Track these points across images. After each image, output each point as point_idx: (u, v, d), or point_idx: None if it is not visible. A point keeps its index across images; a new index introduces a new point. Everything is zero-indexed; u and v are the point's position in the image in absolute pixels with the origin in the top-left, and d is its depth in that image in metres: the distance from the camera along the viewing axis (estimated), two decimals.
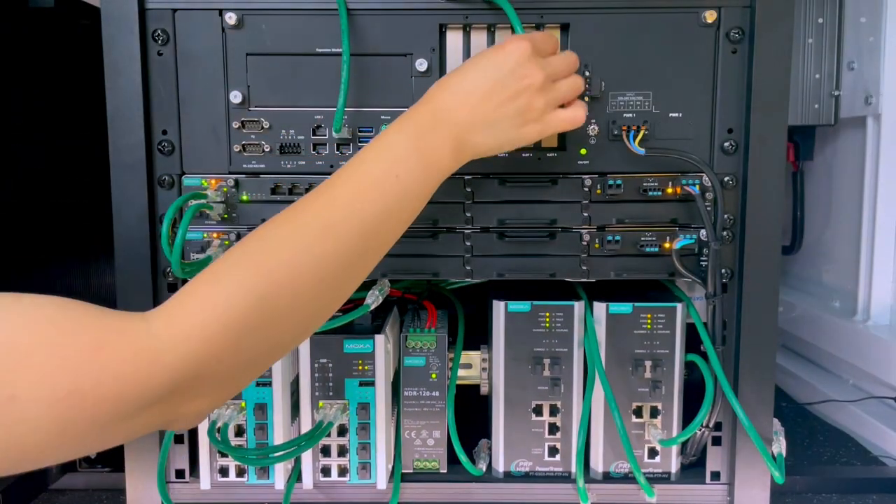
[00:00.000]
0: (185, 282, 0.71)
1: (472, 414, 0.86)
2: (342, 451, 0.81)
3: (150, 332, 0.47)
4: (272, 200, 0.78)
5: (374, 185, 0.58)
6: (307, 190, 0.78)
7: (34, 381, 0.42)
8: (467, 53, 0.78)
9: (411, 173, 0.59)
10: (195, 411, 0.51)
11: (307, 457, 0.81)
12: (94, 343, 0.44)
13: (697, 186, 0.77)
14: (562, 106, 0.68)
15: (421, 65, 0.76)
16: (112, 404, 0.44)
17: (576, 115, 0.68)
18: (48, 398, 0.42)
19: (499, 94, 0.62)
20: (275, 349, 0.55)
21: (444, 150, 0.61)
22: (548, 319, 0.80)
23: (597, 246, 0.79)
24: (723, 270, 0.78)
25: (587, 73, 0.77)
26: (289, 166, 0.78)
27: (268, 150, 0.78)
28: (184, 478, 0.83)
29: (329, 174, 0.74)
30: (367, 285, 0.76)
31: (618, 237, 0.78)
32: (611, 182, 0.78)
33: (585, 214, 0.78)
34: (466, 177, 0.77)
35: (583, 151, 0.78)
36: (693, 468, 0.84)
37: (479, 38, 0.78)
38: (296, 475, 0.82)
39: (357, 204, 0.57)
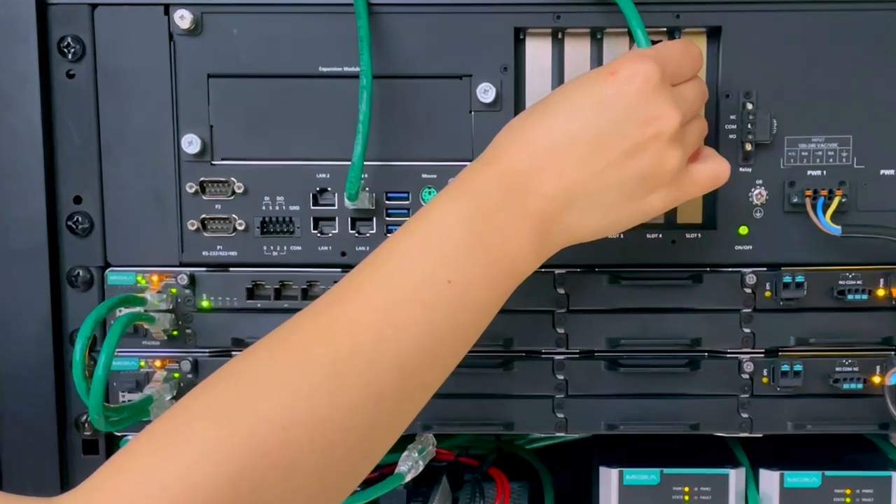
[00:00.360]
0: (113, 443, 0.61)
1: None
2: None
3: None
4: (248, 309, 0.57)
5: (413, 296, 0.44)
6: (304, 292, 0.57)
7: None
8: (559, 76, 0.56)
9: (471, 275, 0.45)
10: None
11: None
12: None
13: None
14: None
15: (486, 93, 0.55)
16: None
17: (720, 168, 0.51)
18: None
19: (610, 149, 0.46)
20: None
21: (522, 238, 0.46)
22: (686, 496, 0.58)
23: (765, 381, 0.56)
24: None
25: (749, 106, 0.54)
26: (275, 254, 0.57)
27: (241, 227, 0.56)
28: None
29: (340, 269, 0.58)
30: (401, 442, 0.54)
31: (798, 366, 0.55)
32: (787, 279, 0.55)
33: (747, 331, 0.56)
34: (557, 270, 0.57)
35: (743, 231, 0.56)
36: None
37: (576, 49, 0.56)
38: None
39: (387, 324, 0.44)
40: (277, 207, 0.56)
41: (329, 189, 0.55)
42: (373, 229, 0.55)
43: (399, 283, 0.44)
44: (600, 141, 0.46)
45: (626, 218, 0.49)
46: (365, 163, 0.52)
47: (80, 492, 0.39)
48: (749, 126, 0.54)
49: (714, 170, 0.50)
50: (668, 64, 0.47)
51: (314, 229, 0.56)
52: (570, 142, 0.46)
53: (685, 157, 0.48)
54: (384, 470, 0.56)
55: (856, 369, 0.55)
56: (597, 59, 0.55)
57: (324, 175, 0.55)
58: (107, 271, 0.56)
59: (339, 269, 0.55)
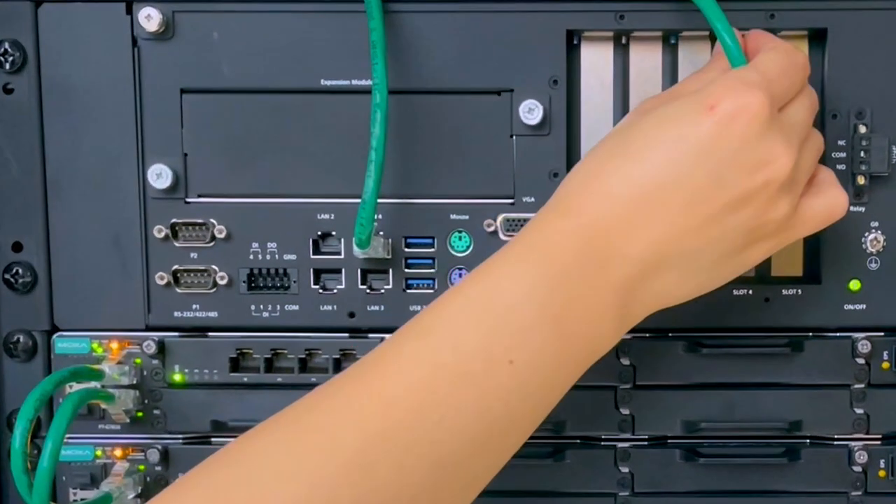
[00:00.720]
0: None
1: None
2: None
3: None
4: (233, 384, 0.48)
5: (464, 376, 0.38)
6: (302, 363, 0.48)
7: None
8: (624, 86, 0.47)
9: (538, 355, 0.39)
10: None
11: None
12: None
13: None
14: None
15: (531, 112, 0.46)
16: None
17: (836, 201, 0.43)
18: None
19: (710, 202, 0.40)
20: None
21: (603, 311, 0.39)
22: None
23: (881, 474, 0.47)
24: None
25: (862, 129, 0.46)
26: (265, 315, 0.48)
27: (224, 282, 0.47)
28: None
29: (347, 333, 0.50)
30: None
31: None
32: None
33: (859, 411, 0.47)
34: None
35: (854, 286, 0.47)
36: None
37: (645, 57, 0.47)
38: None
39: (430, 407, 0.38)
40: (269, 256, 0.47)
41: (333, 233, 0.47)
42: (389, 284, 0.46)
43: (448, 359, 0.38)
44: (698, 193, 0.39)
45: (722, 276, 0.42)
46: (379, 200, 0.43)
47: None
48: (862, 154, 0.45)
49: (829, 205, 0.43)
50: (775, 86, 0.40)
51: (315, 284, 0.47)
52: (661, 193, 0.39)
53: (797, 199, 0.42)
54: None
55: None
56: (669, 70, 0.46)
57: (327, 216, 0.47)
58: (54, 336, 0.47)
59: (345, 335, 0.46)
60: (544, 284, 0.38)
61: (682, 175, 0.39)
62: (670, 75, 0.46)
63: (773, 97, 0.40)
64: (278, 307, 0.47)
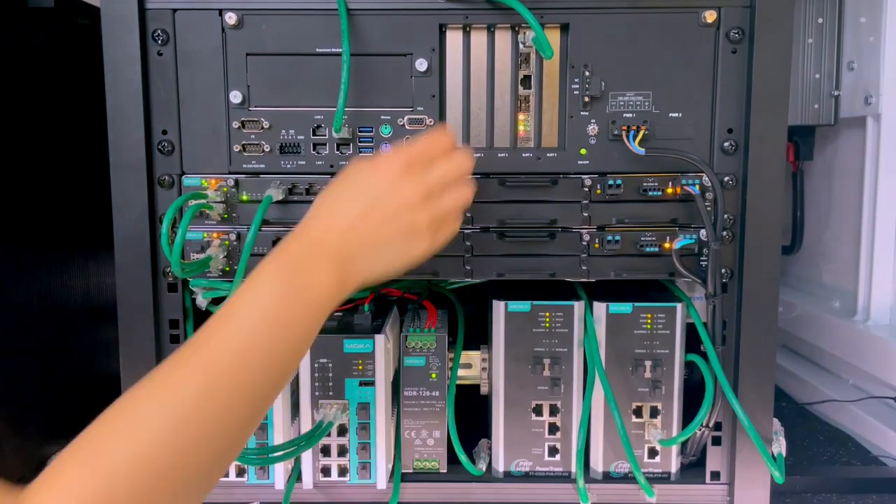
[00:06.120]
0: (186, 285, 0.76)
1: (472, 414, 0.86)
2: (342, 451, 0.81)
3: None
4: (276, 201, 0.78)
5: (253, 341, 0.53)
6: (306, 190, 0.78)
7: None
8: (467, 53, 0.78)
9: (292, 315, 0.55)
10: None
11: (307, 456, 0.81)
12: None
13: (697, 186, 0.77)
14: None
15: (421, 65, 0.76)
16: None
17: (455, 229, 0.67)
18: None
19: (373, 216, 0.60)
20: None
21: (325, 283, 0.57)
22: (548, 319, 0.80)
23: (597, 246, 0.79)
24: (723, 270, 0.78)
25: (587, 74, 0.77)
26: (289, 166, 0.78)
27: (267, 149, 0.78)
28: None
29: (329, 174, 0.76)
30: None
31: (618, 237, 0.78)
32: (610, 182, 0.78)
33: (585, 214, 0.78)
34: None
35: (583, 151, 0.78)
36: (693, 468, 0.84)
37: (479, 38, 0.78)
38: (296, 475, 0.82)
39: (238, 365, 0.51)
40: (290, 137, 0.77)
41: (323, 125, 0.77)
42: (350, 151, 0.77)
43: (241, 330, 0.53)
44: (366, 212, 0.60)
45: (400, 261, 0.62)
46: (345, 109, 0.73)
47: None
48: (587, 85, 0.76)
49: (452, 230, 0.65)
50: (412, 158, 0.61)
51: (313, 150, 0.77)
52: (347, 214, 0.60)
53: (437, 215, 0.62)
54: (357, 302, 0.80)
55: (654, 238, 0.78)
56: (491, 44, 0.77)
57: (319, 117, 0.77)
58: (183, 177, 0.77)
59: (328, 176, 0.76)
60: (288, 272, 0.56)
61: (356, 204, 0.59)
62: (490, 47, 0.77)
63: (410, 161, 0.61)
64: (295, 162, 0.77)
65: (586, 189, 0.78)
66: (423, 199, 0.61)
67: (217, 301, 0.78)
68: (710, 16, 0.76)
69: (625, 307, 0.79)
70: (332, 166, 0.78)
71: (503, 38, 0.78)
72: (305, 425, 0.80)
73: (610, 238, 0.78)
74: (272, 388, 0.54)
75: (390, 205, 0.60)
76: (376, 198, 0.60)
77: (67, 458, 0.45)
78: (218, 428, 0.49)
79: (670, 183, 0.78)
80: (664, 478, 0.83)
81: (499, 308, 0.81)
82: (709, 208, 0.77)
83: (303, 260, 0.57)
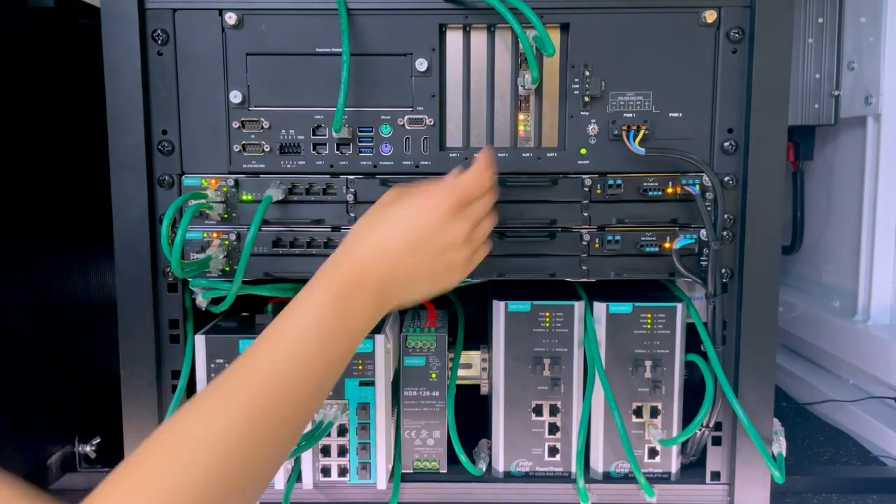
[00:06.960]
0: (186, 285, 0.76)
1: (472, 414, 0.86)
2: (342, 451, 0.81)
3: None
4: (276, 201, 0.78)
5: (299, 369, 0.56)
6: (306, 190, 0.78)
7: None
8: (467, 53, 0.78)
9: (337, 342, 0.59)
10: None
11: (307, 457, 0.81)
12: None
13: (697, 186, 0.77)
14: None
15: (421, 64, 0.76)
16: None
17: (485, 253, 0.71)
18: None
19: (421, 252, 0.63)
20: None
21: (368, 310, 0.61)
22: (548, 319, 0.80)
23: (597, 246, 0.79)
24: (723, 270, 0.78)
25: (587, 73, 0.77)
26: (289, 166, 0.78)
27: (268, 149, 0.78)
28: None
29: (329, 174, 0.76)
30: None
31: (618, 237, 0.78)
32: (611, 182, 0.78)
33: (585, 214, 0.78)
34: None
35: (583, 151, 0.78)
36: (693, 468, 0.84)
37: (478, 37, 0.78)
38: (296, 475, 0.82)
39: (284, 395, 0.55)
40: (290, 137, 0.77)
41: (322, 125, 0.77)
42: (350, 150, 0.77)
43: (294, 350, 0.56)
44: (415, 247, 0.62)
45: (436, 290, 0.66)
46: (345, 109, 0.73)
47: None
48: (587, 85, 0.76)
49: (482, 255, 0.70)
50: (461, 197, 0.64)
51: (313, 150, 0.77)
52: (396, 247, 0.62)
53: (473, 249, 0.67)
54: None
55: (654, 238, 0.78)
56: (491, 44, 0.77)
57: (319, 116, 0.77)
58: (183, 177, 0.77)
59: (328, 176, 0.77)
60: (338, 295, 0.59)
61: (406, 240, 0.62)
62: (490, 47, 0.77)
63: (460, 201, 0.63)
64: (295, 162, 0.77)
65: (586, 189, 0.78)
66: (466, 239, 0.65)
67: (217, 301, 0.77)
68: (710, 16, 0.76)
69: (625, 307, 0.79)
70: (332, 166, 0.78)
71: (503, 38, 0.78)
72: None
73: (610, 238, 0.78)
74: (312, 411, 0.58)
75: (437, 245, 0.63)
76: (425, 238, 0.62)
77: (118, 481, 0.46)
78: (260, 458, 0.51)
79: (670, 183, 0.78)
80: (664, 478, 0.83)
81: (499, 308, 0.80)
82: (709, 208, 0.77)
83: (350, 288, 0.59)
